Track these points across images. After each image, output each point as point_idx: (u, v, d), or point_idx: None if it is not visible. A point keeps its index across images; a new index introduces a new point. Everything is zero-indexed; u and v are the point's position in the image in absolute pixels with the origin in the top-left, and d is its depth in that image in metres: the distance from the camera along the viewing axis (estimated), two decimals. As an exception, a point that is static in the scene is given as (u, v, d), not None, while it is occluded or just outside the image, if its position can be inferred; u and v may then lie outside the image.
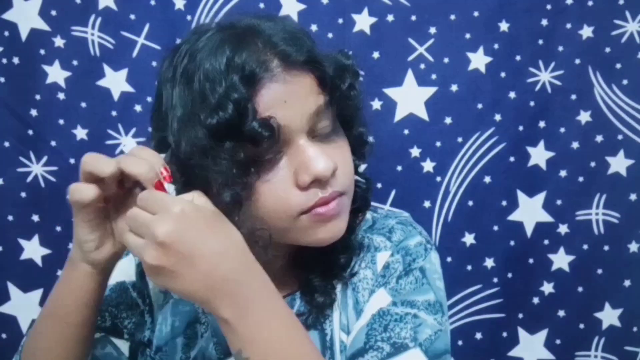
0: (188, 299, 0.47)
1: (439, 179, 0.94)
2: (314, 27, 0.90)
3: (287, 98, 0.49)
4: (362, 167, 0.92)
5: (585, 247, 0.95)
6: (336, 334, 0.58)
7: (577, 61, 0.90)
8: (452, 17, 0.90)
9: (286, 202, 0.50)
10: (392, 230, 0.61)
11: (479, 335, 0.98)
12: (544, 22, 0.89)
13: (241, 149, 0.48)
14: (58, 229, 0.96)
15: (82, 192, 0.50)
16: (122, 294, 0.64)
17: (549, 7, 0.89)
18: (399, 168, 0.94)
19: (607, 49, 0.90)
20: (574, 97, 0.91)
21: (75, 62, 0.92)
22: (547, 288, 0.97)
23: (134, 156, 0.49)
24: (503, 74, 0.91)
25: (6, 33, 0.90)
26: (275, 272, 0.61)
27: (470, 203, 0.95)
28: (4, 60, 0.91)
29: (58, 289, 0.55)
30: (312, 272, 0.59)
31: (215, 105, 0.47)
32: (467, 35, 0.90)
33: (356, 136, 0.57)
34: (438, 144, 0.93)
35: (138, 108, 0.93)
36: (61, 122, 0.93)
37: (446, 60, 0.91)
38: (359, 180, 0.59)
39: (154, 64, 0.92)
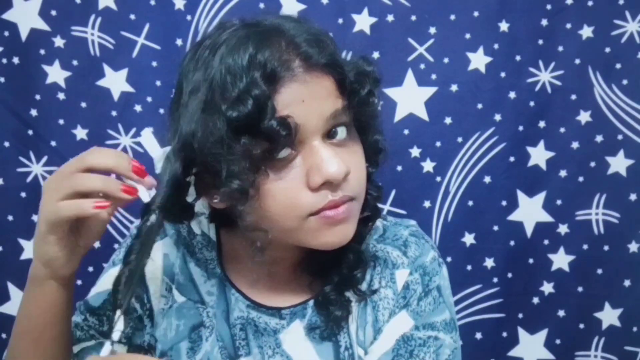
0: None
1: (439, 179, 0.94)
2: (314, 27, 0.90)
3: (306, 98, 0.49)
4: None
5: (585, 247, 0.95)
6: (355, 348, 0.59)
7: (577, 61, 0.90)
8: (452, 17, 0.90)
9: (296, 202, 0.50)
10: (407, 244, 0.61)
11: (479, 335, 0.98)
12: (544, 22, 0.89)
13: (257, 144, 0.48)
14: (58, 229, 0.96)
15: (80, 206, 0.49)
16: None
17: (549, 7, 0.89)
18: (399, 168, 0.94)
19: (607, 49, 0.90)
20: (574, 97, 0.91)
21: (75, 62, 0.92)
22: (547, 288, 0.97)
23: (98, 152, 0.50)
24: (503, 74, 0.91)
25: (6, 33, 0.90)
26: (285, 277, 0.61)
27: (470, 203, 0.95)
28: (4, 60, 0.91)
29: (26, 308, 0.56)
30: (326, 284, 0.59)
31: (235, 98, 0.47)
32: (467, 35, 0.90)
33: (371, 143, 0.57)
34: (438, 144, 0.93)
35: (138, 108, 0.93)
36: (61, 122, 0.93)
37: (446, 60, 0.91)
38: (370, 187, 0.59)
39: (154, 64, 0.92)
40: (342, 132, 0.52)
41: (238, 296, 0.62)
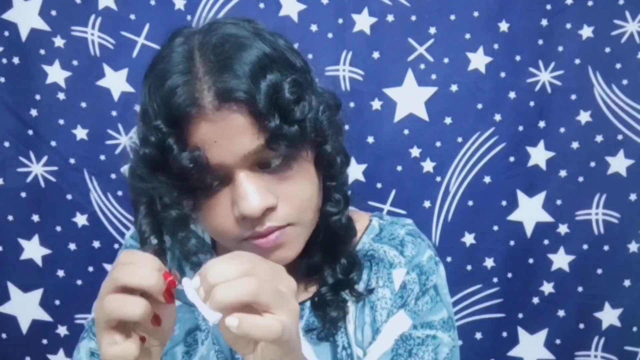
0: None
1: (439, 179, 0.94)
2: (314, 27, 0.90)
3: (218, 138, 0.47)
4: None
5: (585, 247, 0.95)
6: (354, 348, 0.59)
7: (577, 61, 0.90)
8: (452, 17, 0.90)
9: (225, 229, 0.51)
10: (404, 244, 0.61)
11: (479, 335, 0.98)
12: (544, 22, 0.89)
13: (175, 178, 0.47)
14: (58, 229, 0.96)
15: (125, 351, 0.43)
16: None
17: (549, 7, 0.89)
18: (399, 168, 0.94)
19: (607, 49, 0.90)
20: (574, 97, 0.91)
21: (75, 62, 0.92)
22: (547, 288, 0.97)
23: (130, 268, 0.43)
24: (503, 74, 0.91)
25: (6, 33, 0.90)
26: None
27: (470, 203, 0.95)
28: (4, 60, 0.91)
29: None
30: (320, 285, 0.59)
31: (142, 139, 0.48)
32: (467, 35, 0.90)
33: (321, 157, 0.53)
34: (438, 144, 0.93)
35: (138, 108, 0.93)
36: (61, 122, 0.93)
37: (446, 60, 0.91)
38: (328, 204, 0.56)
39: (154, 64, 0.92)
40: (275, 160, 0.49)
41: None
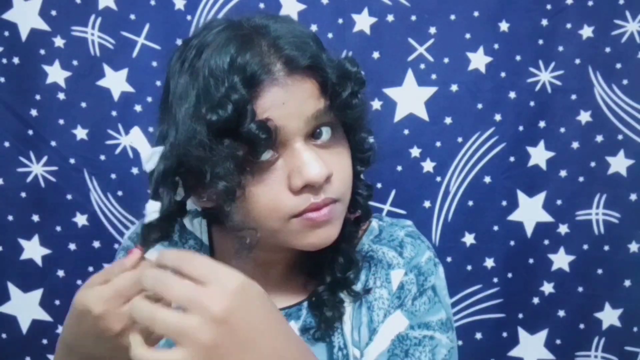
0: None
1: (439, 179, 0.94)
2: (314, 27, 0.90)
3: (286, 100, 0.49)
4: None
5: (585, 247, 0.95)
6: (350, 348, 0.59)
7: (577, 61, 0.90)
8: (452, 17, 0.90)
9: (278, 205, 0.50)
10: (403, 245, 0.61)
11: (479, 335, 0.98)
12: (544, 22, 0.89)
13: (239, 147, 0.48)
14: (58, 229, 0.96)
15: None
16: None
17: (549, 7, 0.89)
18: (399, 168, 0.94)
19: (607, 49, 0.90)
20: (574, 97, 0.91)
21: (75, 62, 0.92)
22: (547, 288, 0.97)
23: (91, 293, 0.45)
24: (503, 74, 0.91)
25: (6, 33, 0.90)
26: (279, 279, 0.61)
27: (470, 203, 0.95)
28: (4, 60, 0.91)
29: None
30: (319, 285, 0.59)
31: (216, 103, 0.47)
32: (467, 35, 0.90)
33: (358, 142, 0.57)
34: (438, 144, 0.93)
35: (138, 108, 0.93)
36: (61, 122, 0.93)
37: (446, 60, 0.91)
38: (360, 187, 0.59)
39: (154, 64, 0.92)
40: (326, 132, 0.52)
41: None
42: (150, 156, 0.52)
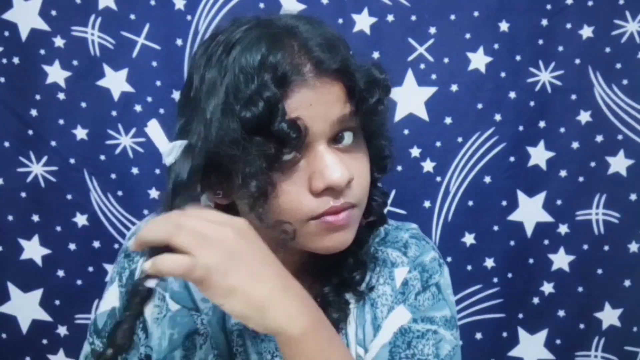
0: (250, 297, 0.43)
1: (439, 179, 0.94)
2: (314, 27, 0.90)
3: (314, 102, 0.49)
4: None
5: (585, 247, 0.95)
6: (352, 347, 0.58)
7: (577, 61, 0.90)
8: (452, 17, 0.90)
9: (298, 205, 0.50)
10: (407, 245, 0.61)
11: (479, 335, 0.98)
12: (544, 22, 0.89)
13: (270, 146, 0.48)
14: (58, 229, 0.96)
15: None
16: (114, 319, 0.63)
17: (549, 7, 0.89)
18: (399, 168, 0.94)
19: (607, 49, 0.90)
20: (574, 97, 0.91)
21: (75, 62, 0.92)
22: (547, 288, 0.97)
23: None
24: (503, 74, 0.91)
25: (6, 33, 0.90)
26: None
27: (470, 203, 0.95)
28: (4, 60, 0.91)
29: None
30: (325, 286, 0.59)
31: (247, 99, 0.47)
32: (467, 35, 0.90)
33: (377, 149, 0.57)
34: (438, 144, 0.93)
35: (138, 108, 0.93)
36: (61, 122, 0.93)
37: (446, 60, 0.91)
38: (375, 193, 0.59)
39: (154, 64, 0.92)
40: (348, 137, 0.52)
41: None
42: (171, 150, 0.51)
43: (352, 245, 0.56)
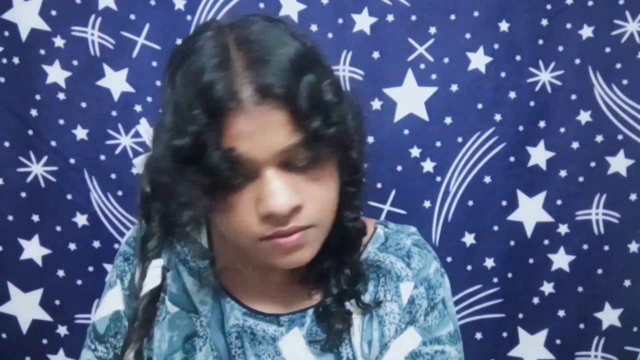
0: None
1: (439, 179, 0.94)
2: (314, 27, 0.90)
3: (254, 132, 0.46)
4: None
5: (585, 247, 0.95)
6: (359, 358, 0.59)
7: (577, 61, 0.90)
8: (452, 17, 0.90)
9: (246, 226, 0.50)
10: (410, 255, 0.61)
11: (479, 335, 0.98)
12: (544, 22, 0.89)
13: (204, 175, 0.47)
14: (58, 229, 0.96)
15: None
16: (118, 323, 0.64)
17: (549, 7, 0.89)
18: (399, 168, 0.94)
19: (607, 49, 0.90)
20: (574, 97, 0.91)
21: (75, 62, 0.92)
22: (547, 288, 0.96)
23: None
24: (503, 74, 0.91)
25: (6, 33, 0.90)
26: (281, 284, 0.61)
27: (470, 203, 0.95)
28: (4, 60, 0.91)
29: None
30: (325, 293, 0.59)
31: (178, 130, 0.46)
32: (467, 35, 0.90)
33: (348, 163, 0.54)
34: (438, 144, 0.93)
35: (138, 108, 0.93)
36: (61, 122, 0.93)
37: (446, 60, 0.91)
38: (347, 211, 0.56)
39: (154, 64, 0.92)
40: (301, 160, 0.49)
41: (233, 304, 0.61)
42: (142, 162, 0.52)
43: (344, 254, 0.57)
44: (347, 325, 0.58)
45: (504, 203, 0.95)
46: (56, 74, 0.91)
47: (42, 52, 0.91)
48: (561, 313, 0.97)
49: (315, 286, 0.60)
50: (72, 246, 0.96)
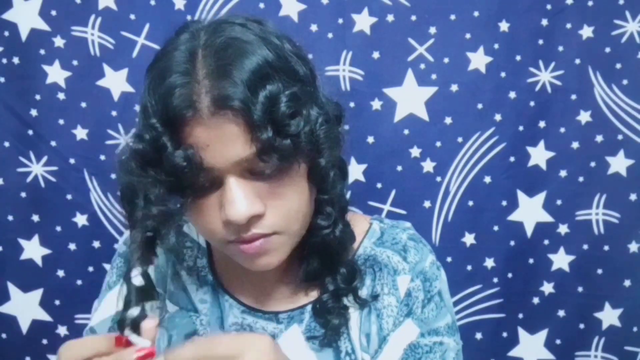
0: None
1: (439, 179, 0.94)
2: (314, 27, 0.90)
3: (211, 142, 0.46)
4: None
5: (585, 247, 0.95)
6: (357, 352, 0.59)
7: (577, 61, 0.90)
8: (452, 17, 0.90)
9: (212, 229, 0.51)
10: (406, 249, 0.61)
11: (479, 335, 0.98)
12: (544, 22, 0.89)
13: (166, 175, 0.47)
14: (58, 229, 0.96)
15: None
16: None
17: (549, 7, 0.89)
18: (399, 168, 0.94)
19: (607, 49, 0.90)
20: (574, 97, 0.91)
21: (75, 62, 0.92)
22: (547, 288, 0.97)
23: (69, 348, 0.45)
24: (503, 74, 0.91)
25: (6, 33, 0.90)
26: (279, 282, 0.61)
27: (470, 203, 0.95)
28: (4, 60, 0.91)
29: None
30: (322, 292, 0.59)
31: (136, 135, 0.48)
32: (467, 35, 0.90)
33: (315, 170, 0.52)
34: (438, 144, 0.93)
35: (138, 108, 0.93)
36: (61, 122, 0.93)
37: (446, 60, 0.91)
38: (319, 217, 0.56)
39: (154, 64, 0.92)
40: (265, 168, 0.49)
41: (232, 302, 0.62)
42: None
43: (337, 255, 0.57)
44: (344, 319, 0.59)
45: (504, 203, 0.95)
46: (56, 74, 0.91)
47: (42, 52, 0.91)
48: (561, 313, 0.97)
49: (311, 284, 0.60)
50: (72, 246, 0.96)
